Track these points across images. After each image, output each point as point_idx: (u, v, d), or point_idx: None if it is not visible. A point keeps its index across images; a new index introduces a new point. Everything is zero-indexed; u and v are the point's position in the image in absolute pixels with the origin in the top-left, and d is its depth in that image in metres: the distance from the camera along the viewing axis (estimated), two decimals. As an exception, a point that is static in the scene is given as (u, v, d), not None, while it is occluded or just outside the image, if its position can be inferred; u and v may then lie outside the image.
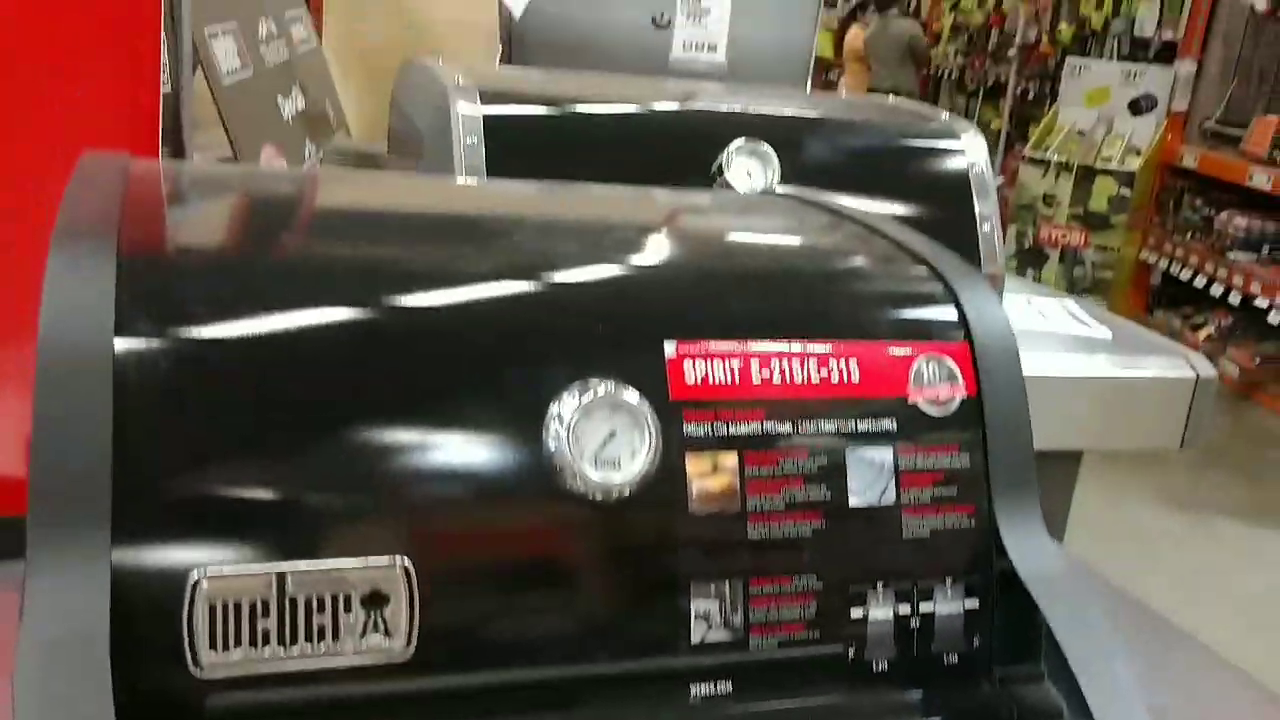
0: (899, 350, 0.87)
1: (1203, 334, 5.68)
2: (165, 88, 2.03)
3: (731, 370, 0.82)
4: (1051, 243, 6.13)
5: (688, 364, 0.81)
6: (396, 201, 0.99)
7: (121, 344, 0.69)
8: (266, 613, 0.69)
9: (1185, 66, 5.92)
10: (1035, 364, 1.89)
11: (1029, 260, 6.12)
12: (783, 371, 0.83)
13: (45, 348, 0.67)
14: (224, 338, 0.72)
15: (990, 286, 0.94)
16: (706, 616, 0.78)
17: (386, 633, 0.71)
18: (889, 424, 0.85)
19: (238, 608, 0.68)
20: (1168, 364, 1.95)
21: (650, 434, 0.78)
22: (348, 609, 0.70)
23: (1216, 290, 5.44)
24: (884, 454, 0.84)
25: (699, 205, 1.13)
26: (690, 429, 0.80)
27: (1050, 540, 0.87)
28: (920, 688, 0.83)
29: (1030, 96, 7.46)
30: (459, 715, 0.73)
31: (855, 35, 8.92)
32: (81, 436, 0.66)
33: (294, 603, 0.69)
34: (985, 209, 1.86)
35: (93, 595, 0.64)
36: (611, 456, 0.77)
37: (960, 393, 0.87)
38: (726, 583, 0.79)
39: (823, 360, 0.84)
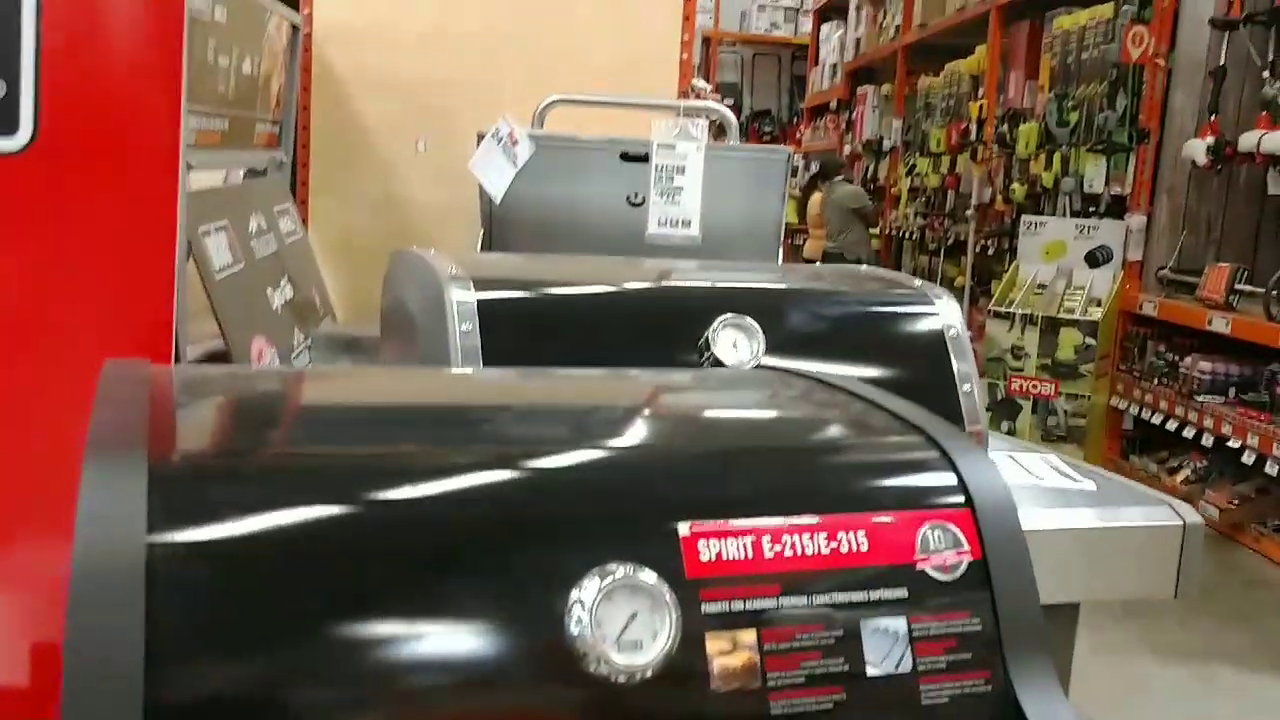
0: (904, 519, 0.89)
1: (1179, 477, 5.73)
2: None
3: (744, 546, 0.84)
4: (1023, 393, 6.23)
5: (702, 543, 0.83)
6: (402, 396, 1.02)
7: (153, 552, 0.70)
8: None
9: (1135, 219, 6.14)
10: (1025, 519, 1.91)
11: (1003, 412, 6.21)
12: (794, 545, 0.85)
13: (82, 552, 0.69)
14: (252, 544, 0.74)
15: (987, 456, 0.98)
16: (734, 797, 0.78)
17: (418, 829, 0.71)
18: (900, 591, 0.87)
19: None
20: (1153, 513, 1.98)
21: (670, 614, 0.79)
22: (379, 805, 0.70)
23: (1189, 433, 5.52)
24: (897, 622, 0.86)
25: (697, 386, 1.17)
26: (708, 607, 0.81)
27: (1067, 703, 0.88)
28: None
29: (990, 252, 7.69)
30: None
31: (816, 201, 9.24)
32: (116, 642, 0.67)
33: (326, 805, 0.69)
34: (964, 369, 1.91)
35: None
36: (634, 639, 0.78)
37: (966, 557, 0.89)
38: (752, 762, 0.79)
39: (832, 533, 0.87)
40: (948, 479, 0.93)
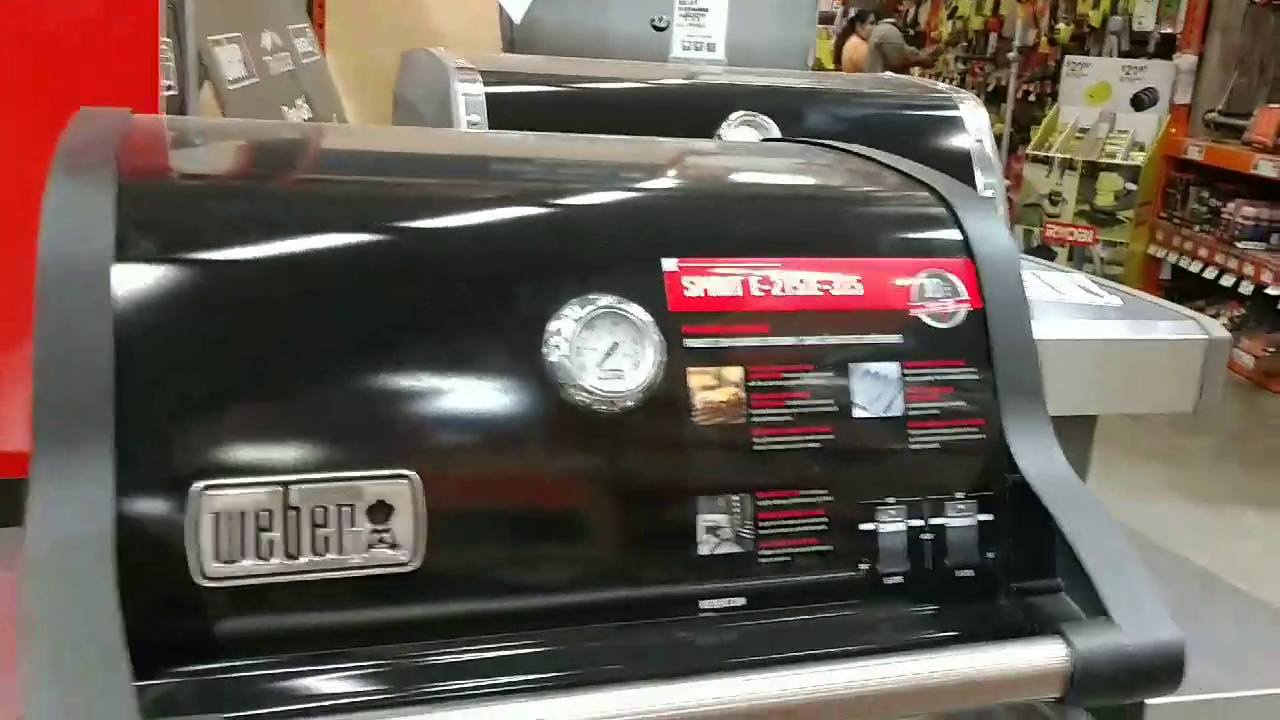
0: (902, 266, 0.87)
1: (1215, 327, 5.67)
2: (172, 91, 2.05)
3: (733, 284, 0.81)
4: (1059, 241, 6.12)
5: (687, 279, 0.80)
6: (394, 144, 0.99)
7: (121, 262, 0.69)
8: (271, 525, 0.68)
9: (1185, 60, 5.92)
10: (1047, 329, 1.88)
11: (1037, 258, 6.12)
12: (785, 285, 0.83)
13: (47, 256, 0.67)
14: (230, 255, 0.73)
15: (993, 211, 0.94)
16: (715, 530, 0.78)
17: (393, 545, 0.70)
18: (894, 337, 0.84)
19: (242, 518, 0.68)
20: (1179, 327, 1.94)
21: (652, 345, 0.77)
22: (353, 522, 0.70)
23: (1227, 281, 5.41)
24: (889, 367, 0.84)
25: (700, 147, 1.13)
26: (693, 341, 0.79)
27: (1061, 453, 0.86)
28: (935, 602, 0.83)
29: (1032, 98, 7.47)
30: (465, 630, 0.72)
31: (853, 46, 8.97)
32: (84, 348, 0.66)
33: (298, 514, 0.69)
34: (987, 177, 1.85)
35: (97, 503, 0.64)
36: (615, 368, 0.76)
37: (965, 306, 0.87)
38: (735, 495, 0.78)
39: (825, 276, 0.84)
40: (950, 230, 0.90)
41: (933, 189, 0.93)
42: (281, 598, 0.68)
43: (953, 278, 0.87)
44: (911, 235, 0.90)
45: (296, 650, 0.69)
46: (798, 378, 0.81)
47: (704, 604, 0.77)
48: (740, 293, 0.81)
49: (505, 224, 0.81)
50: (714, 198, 0.89)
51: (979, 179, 1.84)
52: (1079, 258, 6.14)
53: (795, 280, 0.83)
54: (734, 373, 0.80)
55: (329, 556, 0.69)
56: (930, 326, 0.86)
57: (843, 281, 0.84)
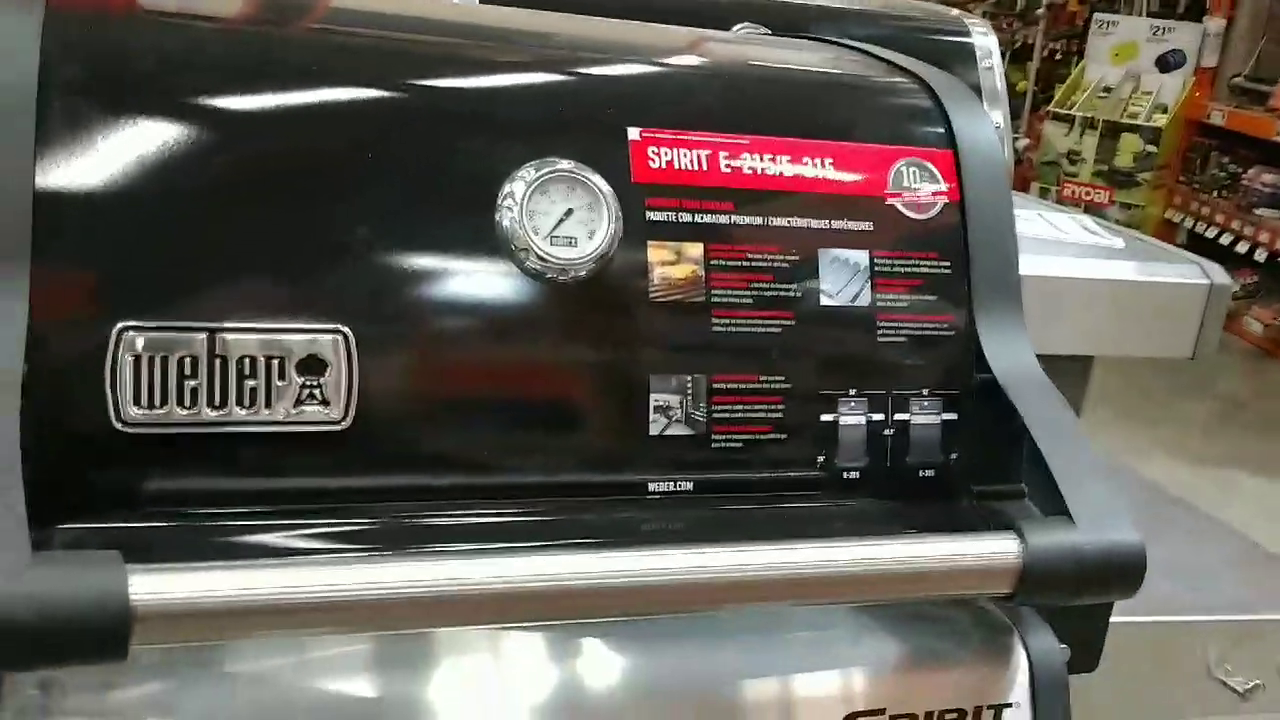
0: (880, 153, 0.83)
1: (1228, 295, 5.60)
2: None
3: (699, 158, 0.78)
4: (1075, 200, 6.04)
5: (653, 149, 0.77)
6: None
7: (46, 91, 0.65)
8: (195, 372, 0.65)
9: (1214, 23, 5.79)
10: (1045, 266, 1.83)
11: (1051, 218, 6.05)
12: (754, 164, 0.79)
13: None
14: (166, 89, 0.69)
15: (980, 104, 0.90)
16: (666, 410, 0.75)
17: (324, 402, 0.68)
18: (865, 224, 0.81)
19: (165, 363, 0.65)
20: (1181, 271, 1.90)
21: (609, 213, 0.74)
22: (282, 375, 0.67)
23: (1243, 248, 5.34)
24: (859, 254, 0.80)
25: (682, 30, 1.08)
26: (654, 214, 0.76)
27: (1033, 354, 0.83)
28: (893, 499, 0.80)
29: (1058, 57, 7.34)
30: (394, 497, 0.69)
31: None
32: (2, 174, 0.63)
33: (225, 364, 0.66)
34: (994, 109, 1.80)
35: (6, 339, 0.61)
36: (568, 235, 0.73)
37: (942, 198, 0.83)
38: (689, 376, 0.75)
39: (797, 156, 0.80)
40: (933, 120, 0.86)
41: (920, 78, 0.89)
42: (204, 449, 0.66)
43: (932, 167, 0.83)
44: (892, 122, 0.86)
45: (217, 505, 0.66)
46: (762, 259, 0.78)
47: (651, 486, 0.75)
48: (706, 167, 0.78)
49: (466, 82, 0.78)
50: (688, 71, 0.85)
51: (983, 99, 1.79)
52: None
53: (766, 159, 0.79)
54: (694, 249, 0.76)
55: (256, 410, 0.66)
56: (905, 216, 0.82)
57: (816, 163, 0.81)
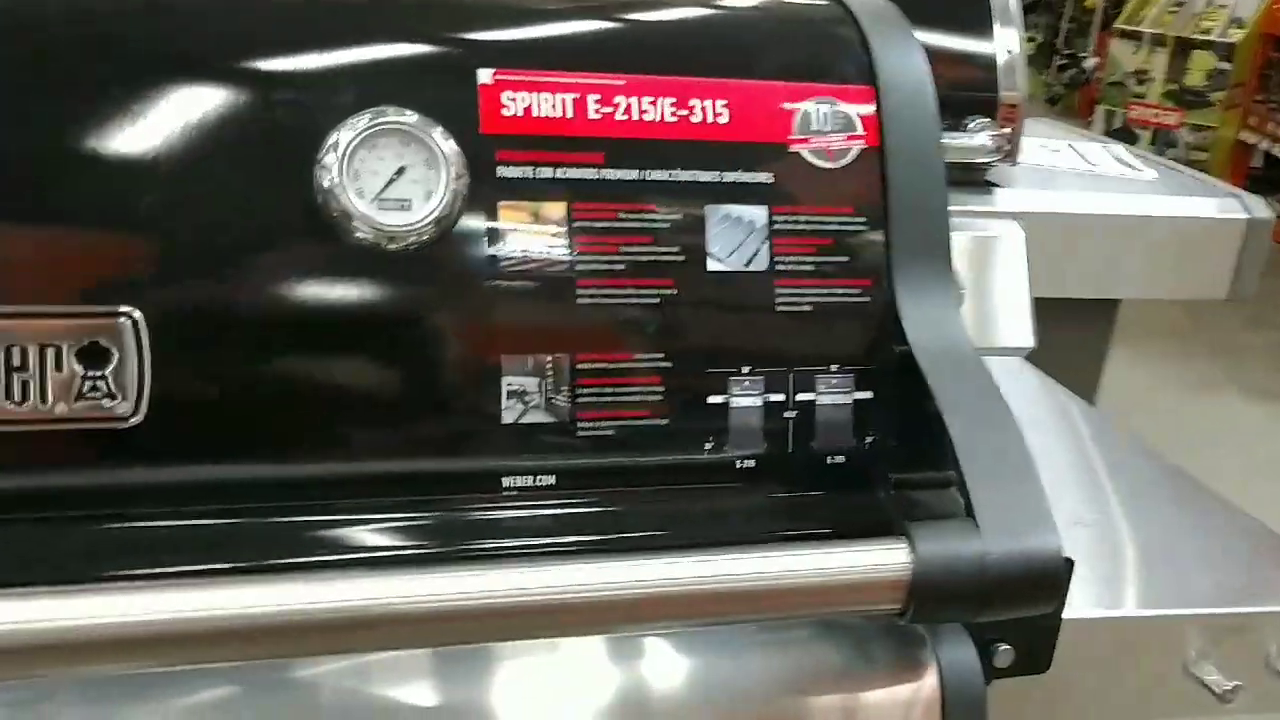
0: (783, 90, 0.72)
1: (1305, 220, 5.31)
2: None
3: (563, 103, 0.67)
4: (1142, 123, 5.75)
5: (507, 95, 0.67)
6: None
7: None
8: (-43, 363, 0.58)
9: (1298, -71, 5.44)
10: (1065, 202, 1.69)
11: (1118, 140, 5.77)
12: (629, 108, 0.69)
13: None
14: None
15: (911, 34, 0.78)
16: (522, 394, 0.65)
17: (109, 394, 0.59)
18: (763, 175, 0.70)
19: (-83, 354, 0.57)
20: (1217, 205, 1.74)
21: (451, 171, 0.64)
22: (59, 366, 0.59)
23: (1322, 172, 5.06)
24: (754, 211, 0.69)
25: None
26: (506, 170, 0.66)
27: (962, 326, 0.72)
28: (793, 492, 0.70)
29: (1130, -29, 6.98)
30: (192, 500, 0.61)
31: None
32: None
33: (-9, 353, 0.58)
34: (1006, 32, 1.65)
35: None
36: (400, 197, 0.64)
37: (859, 143, 0.72)
38: (549, 356, 0.66)
39: (682, 98, 0.70)
40: (851, 51, 0.74)
41: (838, 2, 0.77)
42: (-30, 449, 0.58)
43: (846, 107, 0.72)
44: (799, 54, 0.74)
45: (-10, 510, 0.59)
46: (636, 220, 0.67)
47: (506, 481, 0.66)
48: (572, 114, 0.67)
49: (283, 19, 0.67)
50: (552, 2, 0.74)
51: (997, 34, 1.64)
52: (1163, 142, 5.78)
53: (644, 102, 0.69)
54: (555, 209, 0.66)
55: (29, 405, 0.59)
56: (813, 165, 0.71)
57: (705, 106, 0.70)
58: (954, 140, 1.31)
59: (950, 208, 0.73)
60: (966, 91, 1.43)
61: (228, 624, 0.50)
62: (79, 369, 0.59)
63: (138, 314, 0.59)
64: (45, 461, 0.59)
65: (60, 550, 0.58)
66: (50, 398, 0.59)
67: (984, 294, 0.92)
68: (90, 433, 0.59)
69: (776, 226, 0.69)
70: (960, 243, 0.77)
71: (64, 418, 0.59)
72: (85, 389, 0.59)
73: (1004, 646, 0.71)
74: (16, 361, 0.58)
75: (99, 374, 0.59)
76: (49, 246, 0.60)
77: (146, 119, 0.61)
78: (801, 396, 0.69)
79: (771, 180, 0.70)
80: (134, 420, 0.60)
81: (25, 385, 0.58)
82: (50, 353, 0.59)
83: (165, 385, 0.60)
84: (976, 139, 1.35)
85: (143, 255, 0.61)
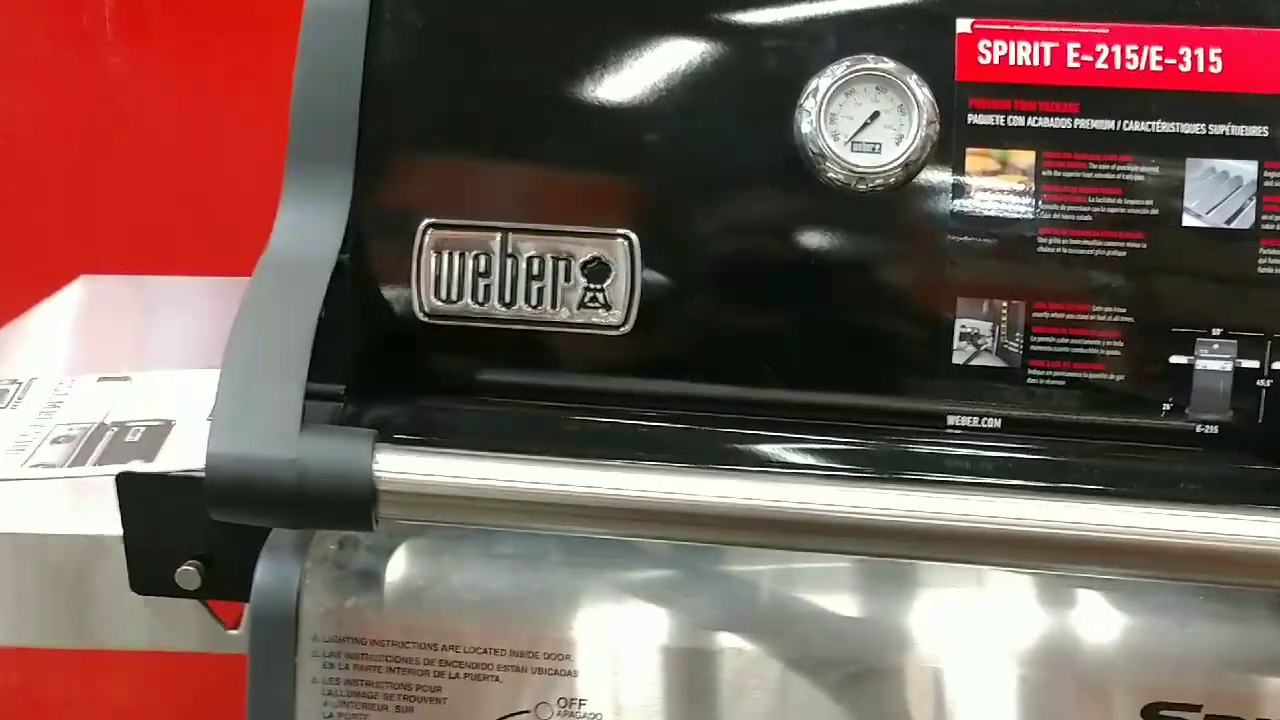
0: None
1: None
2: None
3: (1041, 51, 0.68)
4: None
5: (984, 43, 0.68)
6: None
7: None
8: (489, 270, 0.69)
9: None
10: None
11: None
12: (1111, 56, 0.67)
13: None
14: (472, 12, 0.72)
15: None
16: (974, 337, 0.67)
17: (605, 305, 0.68)
18: (1256, 128, 0.66)
19: (462, 259, 0.69)
20: None
21: (922, 117, 0.67)
22: (568, 277, 0.68)
23: None
24: (1244, 166, 0.66)
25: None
26: (977, 117, 0.67)
27: None
28: (1263, 464, 0.66)
29: None
30: (669, 405, 0.69)
31: None
32: (337, 76, 0.69)
33: (515, 263, 0.68)
34: None
35: (329, 225, 0.67)
36: (872, 140, 0.67)
37: (1376, 97, 0.66)
38: (1004, 302, 0.67)
39: (1170, 46, 0.67)
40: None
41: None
42: (494, 344, 0.69)
43: (1363, 57, 0.66)
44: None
45: (505, 396, 0.70)
46: (1110, 170, 0.66)
47: (951, 420, 0.68)
48: (1050, 63, 0.68)
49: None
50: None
51: None
52: None
53: (1127, 50, 0.67)
54: (1024, 158, 0.67)
55: (542, 308, 0.69)
56: (1317, 118, 0.66)
57: (1196, 54, 0.67)
58: None
59: None
60: None
61: (726, 511, 0.57)
62: (583, 281, 0.68)
63: (634, 237, 0.68)
64: (550, 359, 0.69)
65: (556, 434, 0.68)
66: (559, 304, 0.68)
67: None
68: (587, 336, 0.68)
69: (1267, 183, 0.66)
70: None
71: (567, 322, 0.68)
72: (586, 299, 0.68)
73: None
74: (535, 271, 0.68)
75: (599, 287, 0.68)
76: (570, 179, 0.69)
77: (654, 70, 0.69)
78: (1277, 365, 0.65)
79: (1265, 134, 0.66)
80: (623, 329, 0.68)
81: (540, 291, 0.68)
82: (562, 265, 0.68)
83: (650, 301, 0.68)
84: None
85: (641, 187, 0.69)
